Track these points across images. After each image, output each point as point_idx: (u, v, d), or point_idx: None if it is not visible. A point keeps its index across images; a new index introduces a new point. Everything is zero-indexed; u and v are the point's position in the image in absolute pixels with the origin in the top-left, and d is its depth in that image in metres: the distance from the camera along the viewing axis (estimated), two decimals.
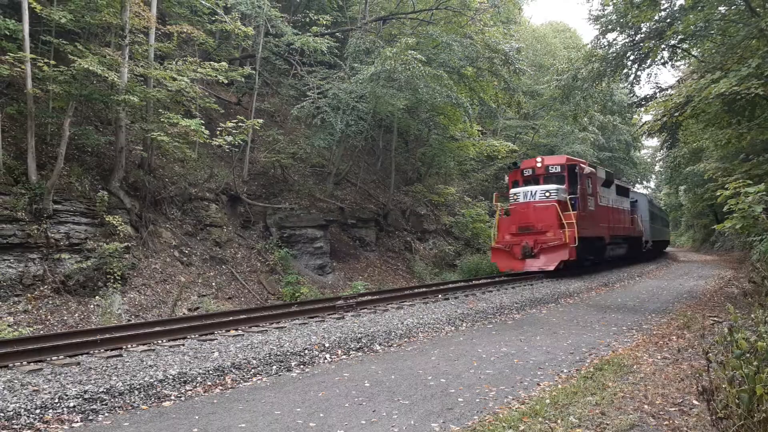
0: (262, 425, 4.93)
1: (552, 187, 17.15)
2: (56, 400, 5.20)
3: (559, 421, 4.76)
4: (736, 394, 3.86)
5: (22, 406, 4.99)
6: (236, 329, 8.60)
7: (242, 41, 20.00)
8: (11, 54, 11.57)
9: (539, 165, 18.08)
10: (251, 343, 7.69)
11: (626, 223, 23.42)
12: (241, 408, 5.44)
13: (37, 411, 5.00)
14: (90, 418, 5.16)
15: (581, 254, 17.19)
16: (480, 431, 4.61)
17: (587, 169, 18.11)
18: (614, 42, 19.28)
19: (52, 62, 12.00)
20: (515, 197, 17.75)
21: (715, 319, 9.80)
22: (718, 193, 9.79)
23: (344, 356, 7.83)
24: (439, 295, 12.95)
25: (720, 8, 15.15)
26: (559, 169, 17.74)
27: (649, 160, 61.02)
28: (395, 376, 6.64)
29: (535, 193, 17.18)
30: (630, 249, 24.69)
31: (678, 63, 22.65)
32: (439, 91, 19.63)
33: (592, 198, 18.78)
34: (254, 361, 6.95)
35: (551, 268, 16.45)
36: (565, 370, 6.92)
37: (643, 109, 23.84)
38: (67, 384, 5.58)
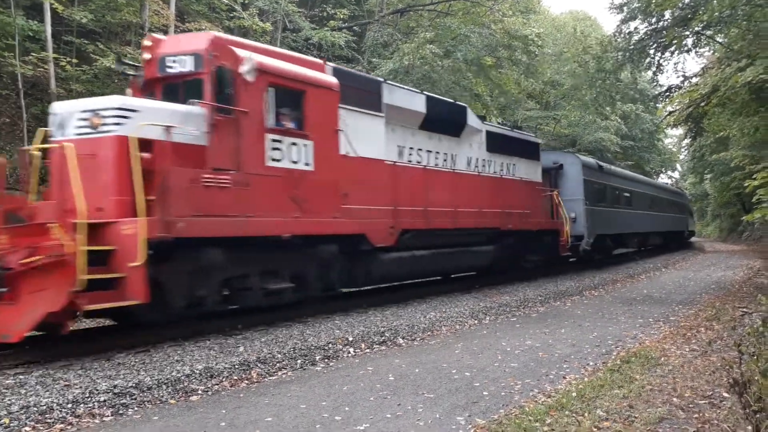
0: (289, 419, 4.96)
1: (106, 102, 7.20)
2: (87, 395, 5.28)
3: (586, 414, 4.71)
4: None
5: (55, 400, 5.09)
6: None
7: (260, 37, 20.06)
8: (35, 54, 11.77)
9: (149, 56, 8.07)
10: (276, 337, 7.75)
11: (505, 205, 13.62)
12: (267, 402, 5.49)
13: (69, 405, 5.09)
14: (120, 412, 5.24)
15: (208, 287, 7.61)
16: (506, 425, 4.58)
17: (269, 65, 8.02)
18: (636, 30, 18.92)
19: (75, 62, 12.17)
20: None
21: (744, 310, 9.64)
22: (746, 183, 9.59)
23: (368, 350, 7.85)
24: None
25: None
26: (190, 64, 7.73)
27: (674, 149, 59.97)
28: (419, 369, 6.64)
29: (70, 119, 7.11)
30: (530, 249, 15.26)
31: (702, 50, 22.13)
32: (456, 83, 19.53)
33: (305, 142, 8.57)
34: (279, 355, 7.00)
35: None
36: (591, 363, 6.85)
37: (667, 99, 23.25)
38: (97, 379, 5.67)
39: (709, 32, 18.21)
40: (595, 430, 4.40)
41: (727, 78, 11.67)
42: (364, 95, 9.87)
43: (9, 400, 5.01)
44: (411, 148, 11.11)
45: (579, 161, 18.30)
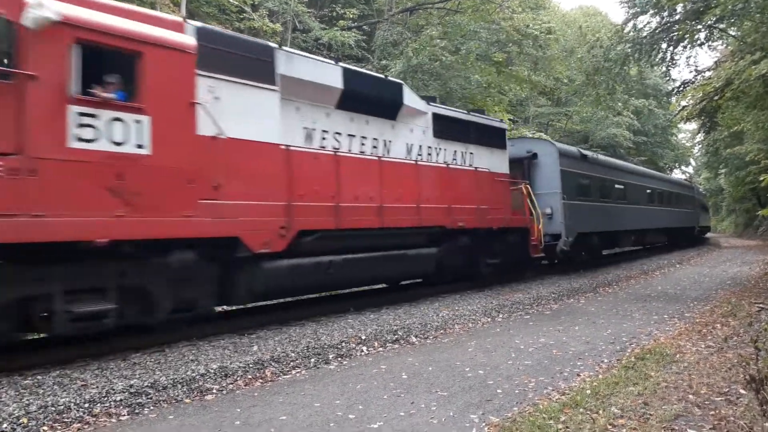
0: (303, 417, 4.99)
1: None
2: (104, 395, 5.35)
3: (600, 412, 4.69)
4: None
5: (72, 400, 5.15)
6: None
7: (270, 38, 20.15)
8: None
9: None
10: (289, 336, 7.78)
11: (455, 199, 11.56)
12: (281, 401, 5.52)
13: (86, 405, 5.16)
14: (136, 411, 5.30)
15: None
16: (520, 423, 4.57)
17: (75, 16, 6.06)
18: (647, 25, 18.73)
19: None
20: None
21: (761, 305, 9.53)
22: (762, 178, 9.50)
23: (381, 348, 7.86)
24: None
25: None
26: None
27: (687, 144, 59.46)
28: (432, 367, 6.64)
29: None
30: (491, 251, 12.81)
31: (715, 44, 21.86)
32: (466, 76, 19.49)
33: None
34: (293, 354, 7.03)
35: None
36: (605, 360, 6.82)
37: (680, 94, 22.95)
38: (114, 379, 5.74)
39: (722, 25, 18.02)
40: (609, 427, 4.37)
41: (741, 71, 11.59)
42: (247, 63, 7.89)
43: (27, 400, 5.08)
44: (324, 132, 9.17)
45: (555, 149, 15.89)
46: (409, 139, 10.87)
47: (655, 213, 24.32)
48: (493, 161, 13.05)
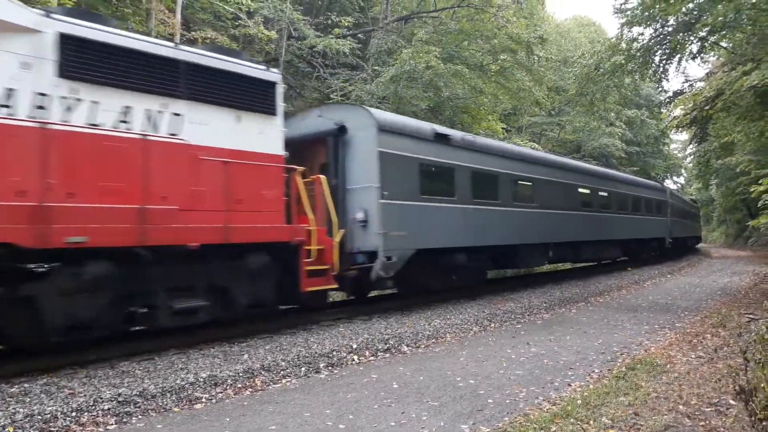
0: (293, 427, 4.95)
1: None
2: (91, 403, 5.29)
3: (591, 422, 4.69)
4: None
5: (59, 409, 5.09)
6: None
7: (265, 45, 20.17)
8: None
9: None
10: (280, 344, 7.75)
11: (88, 193, 6.47)
12: (271, 410, 5.48)
13: (73, 414, 5.10)
14: (124, 420, 5.24)
15: None
16: None
17: None
18: (640, 36, 18.89)
19: None
20: None
21: (751, 316, 9.57)
22: (752, 189, 9.57)
23: (372, 357, 7.83)
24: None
25: None
26: None
27: (679, 154, 59.94)
28: (423, 377, 6.62)
29: None
30: (200, 285, 7.71)
31: (707, 56, 22.06)
32: (461, 86, 19.56)
33: None
34: (283, 363, 6.99)
35: None
36: (596, 370, 6.82)
37: (672, 104, 23.11)
38: (102, 387, 5.68)
39: (713, 38, 18.21)
40: None
41: (732, 82, 11.69)
42: None
43: (13, 408, 5.02)
44: None
45: (372, 121, 10.36)
46: None
47: (597, 221, 18.87)
48: (240, 133, 8.09)
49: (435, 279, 12.32)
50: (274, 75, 8.78)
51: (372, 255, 10.03)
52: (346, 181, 10.35)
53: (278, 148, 8.60)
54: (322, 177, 9.78)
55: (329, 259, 9.26)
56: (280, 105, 8.73)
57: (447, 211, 11.83)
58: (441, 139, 12.02)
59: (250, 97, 8.29)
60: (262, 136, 8.40)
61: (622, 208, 21.62)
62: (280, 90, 8.74)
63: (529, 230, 14.60)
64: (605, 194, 20.16)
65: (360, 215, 10.09)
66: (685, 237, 32.90)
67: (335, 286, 9.67)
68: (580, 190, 18.05)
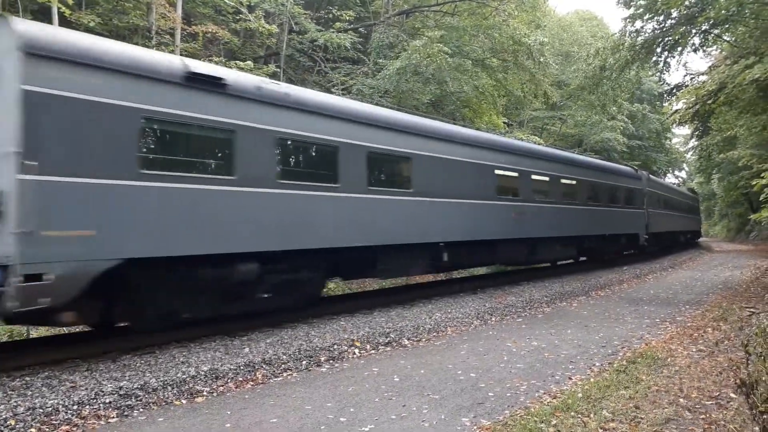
0: (294, 420, 4.96)
1: None
2: (93, 396, 5.30)
3: (592, 415, 4.69)
4: None
5: (60, 402, 5.11)
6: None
7: (266, 39, 20.12)
8: None
9: None
10: (281, 338, 7.75)
11: None
12: (272, 403, 5.49)
13: (75, 407, 5.11)
14: (126, 413, 5.25)
15: None
16: (511, 426, 4.57)
17: None
18: (642, 30, 18.80)
19: None
20: None
21: (752, 310, 9.56)
22: (754, 183, 9.55)
23: (373, 351, 7.84)
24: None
25: None
26: None
27: (680, 149, 59.75)
28: (424, 370, 6.62)
29: None
30: None
31: (709, 49, 21.98)
32: (466, 80, 19.51)
33: None
34: (284, 357, 7.00)
35: None
36: (597, 364, 6.82)
37: (674, 98, 23.03)
38: (103, 380, 5.69)
39: (716, 31, 18.13)
40: (600, 431, 4.37)
41: (735, 75, 11.64)
42: None
43: (15, 401, 5.04)
44: None
45: (11, 35, 5.76)
46: None
47: (528, 213, 14.45)
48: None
49: (202, 302, 7.77)
50: None
51: (2, 270, 5.57)
52: None
53: None
54: None
55: None
56: None
57: (214, 196, 7.31)
58: (203, 82, 7.26)
59: None
60: None
61: (572, 197, 17.09)
62: None
63: (399, 225, 10.38)
64: (544, 179, 15.61)
65: None
66: (673, 232, 28.61)
67: None
68: (498, 172, 13.51)
